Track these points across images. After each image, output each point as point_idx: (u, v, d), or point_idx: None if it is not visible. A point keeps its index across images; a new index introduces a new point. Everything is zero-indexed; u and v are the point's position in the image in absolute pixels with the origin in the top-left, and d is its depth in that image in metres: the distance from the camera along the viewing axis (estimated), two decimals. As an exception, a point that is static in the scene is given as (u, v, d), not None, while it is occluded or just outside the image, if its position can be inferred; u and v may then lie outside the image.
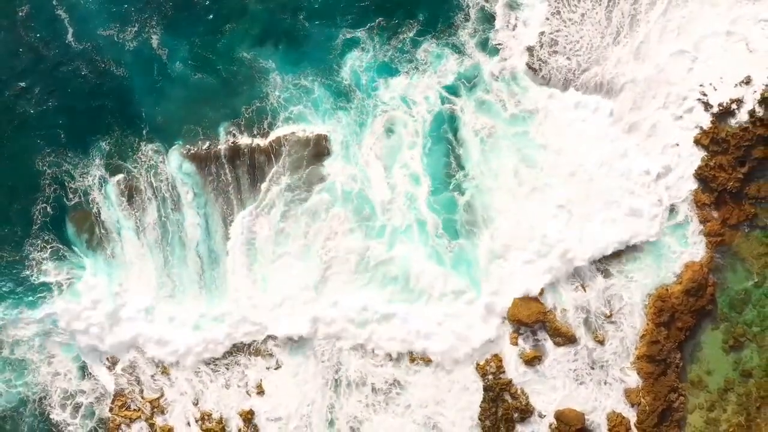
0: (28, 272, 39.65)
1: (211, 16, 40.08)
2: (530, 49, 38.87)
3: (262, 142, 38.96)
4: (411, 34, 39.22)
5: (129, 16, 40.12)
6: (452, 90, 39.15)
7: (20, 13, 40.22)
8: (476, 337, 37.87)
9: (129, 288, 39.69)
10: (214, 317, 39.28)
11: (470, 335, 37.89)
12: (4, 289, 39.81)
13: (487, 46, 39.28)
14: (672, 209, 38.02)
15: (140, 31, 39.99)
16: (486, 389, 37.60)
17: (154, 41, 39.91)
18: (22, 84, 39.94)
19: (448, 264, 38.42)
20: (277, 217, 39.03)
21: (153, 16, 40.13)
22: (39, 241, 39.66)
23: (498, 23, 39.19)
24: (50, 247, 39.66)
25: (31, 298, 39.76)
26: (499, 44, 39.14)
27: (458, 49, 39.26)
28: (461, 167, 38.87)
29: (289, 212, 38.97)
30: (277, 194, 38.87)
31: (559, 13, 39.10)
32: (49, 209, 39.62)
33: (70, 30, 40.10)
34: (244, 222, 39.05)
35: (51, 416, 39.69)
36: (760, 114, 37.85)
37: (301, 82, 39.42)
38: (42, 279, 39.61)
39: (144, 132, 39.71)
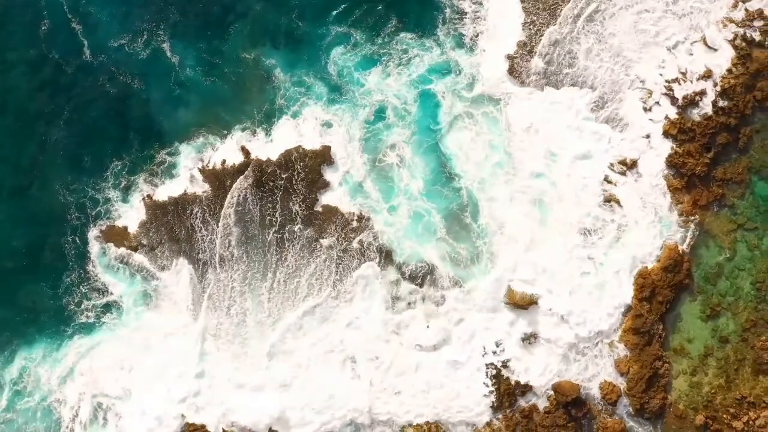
0: (69, 309, 41.56)
1: (214, 20, 43.58)
2: (510, 57, 42.83)
3: (273, 155, 42.22)
4: (394, 31, 43.24)
5: (138, 25, 43.40)
6: (434, 87, 42.95)
7: (43, 27, 43.46)
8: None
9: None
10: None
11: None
12: (47, 329, 41.53)
13: (463, 45, 43.27)
14: (647, 196, 41.56)
15: (150, 40, 43.26)
16: (488, 366, 40.53)
17: (166, 49, 43.16)
18: (52, 107, 42.88)
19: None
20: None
21: (160, 23, 43.43)
22: (74, 275, 41.73)
23: (474, 25, 43.50)
24: (88, 285, 41.63)
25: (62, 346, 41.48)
26: (475, 43, 43.18)
27: (440, 47, 43.24)
28: (450, 162, 42.26)
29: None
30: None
31: (533, 21, 43.15)
32: (78, 239, 41.93)
33: (86, 42, 43.34)
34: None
35: None
36: (722, 104, 41.75)
37: (301, 79, 43.08)
38: (81, 319, 41.59)
39: (162, 148, 42.61)
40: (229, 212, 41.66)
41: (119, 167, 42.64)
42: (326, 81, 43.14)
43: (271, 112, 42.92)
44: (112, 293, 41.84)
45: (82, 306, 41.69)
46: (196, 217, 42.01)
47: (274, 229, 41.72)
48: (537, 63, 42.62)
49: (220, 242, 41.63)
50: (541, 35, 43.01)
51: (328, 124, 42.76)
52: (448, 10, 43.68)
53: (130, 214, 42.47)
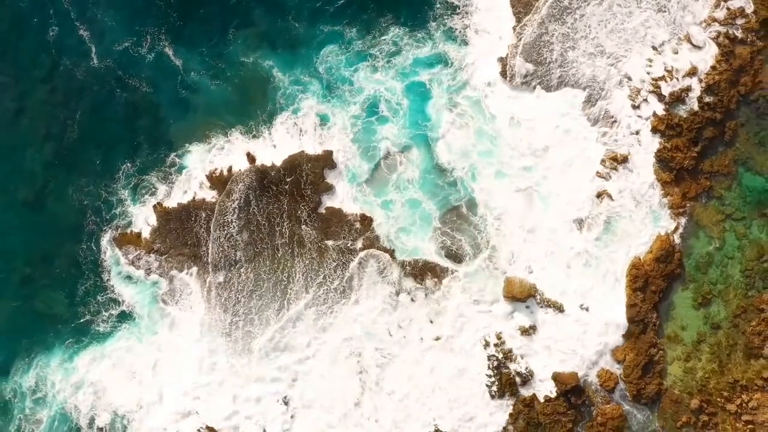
0: (85, 318, 42.80)
1: (214, 24, 44.90)
2: (501, 59, 44.24)
3: (277, 160, 43.68)
4: (386, 27, 44.57)
5: (141, 30, 44.65)
6: (426, 80, 44.33)
7: (51, 34, 44.69)
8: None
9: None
10: None
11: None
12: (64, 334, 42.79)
13: (455, 39, 44.63)
14: (638, 189, 42.97)
15: (154, 45, 44.48)
16: (490, 358, 42.02)
17: (169, 53, 44.38)
18: (62, 112, 44.12)
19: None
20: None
21: (162, 27, 44.67)
22: (89, 283, 42.99)
23: (463, 20, 44.94)
24: (104, 293, 42.88)
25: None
26: (466, 37, 44.62)
27: (431, 40, 44.60)
28: (445, 155, 43.57)
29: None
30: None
31: (519, 24, 44.54)
32: (93, 246, 43.13)
33: (93, 48, 44.65)
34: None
35: None
36: (707, 100, 43.24)
37: (299, 78, 44.40)
38: (96, 327, 42.84)
39: (171, 149, 43.88)
40: (231, 219, 42.89)
41: (130, 170, 43.78)
42: (321, 79, 44.38)
43: (274, 112, 44.16)
44: (125, 300, 43.05)
45: (98, 315, 42.86)
46: (202, 225, 43.24)
47: (283, 240, 42.90)
48: (524, 65, 44.00)
49: (219, 246, 42.84)
50: (527, 37, 44.48)
51: (325, 118, 43.92)
52: (438, 5, 44.88)
53: (142, 219, 43.65)
